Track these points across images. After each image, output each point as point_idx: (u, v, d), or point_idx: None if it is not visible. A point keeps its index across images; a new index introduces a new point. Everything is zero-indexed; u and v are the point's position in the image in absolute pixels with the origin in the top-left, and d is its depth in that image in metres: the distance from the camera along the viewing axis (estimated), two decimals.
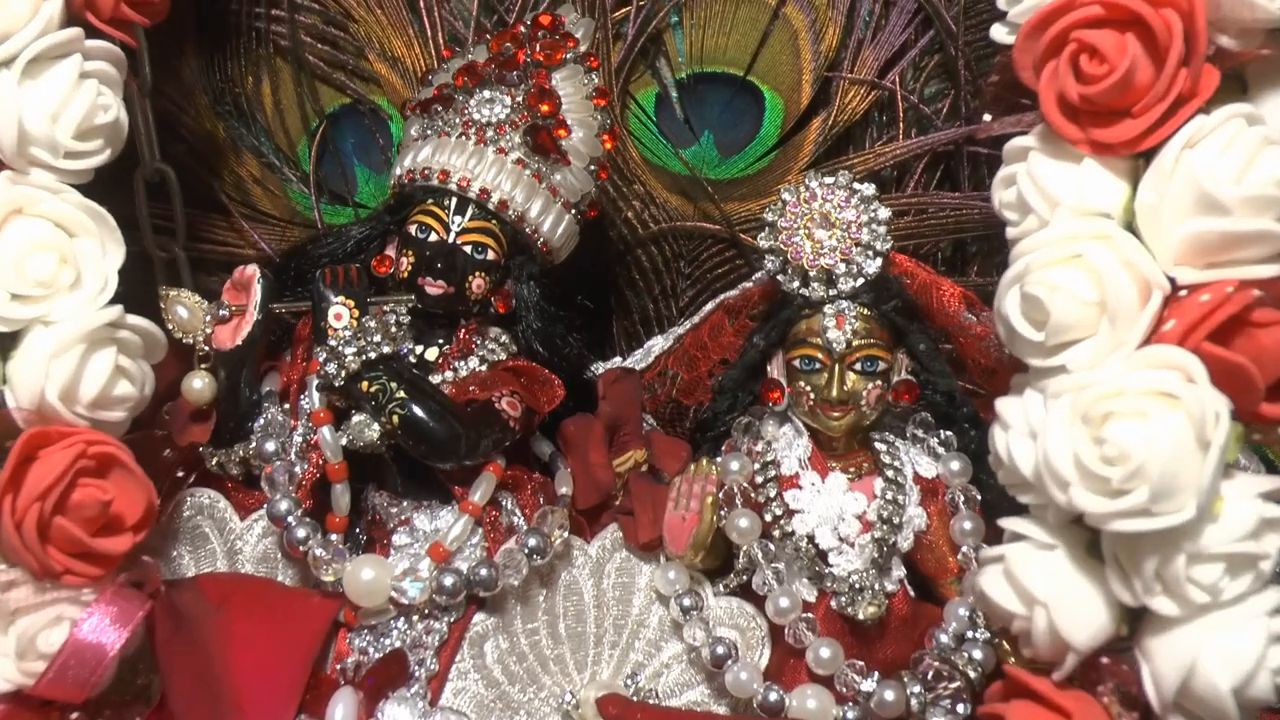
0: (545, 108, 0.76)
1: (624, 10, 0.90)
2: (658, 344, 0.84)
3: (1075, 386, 0.51)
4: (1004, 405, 0.56)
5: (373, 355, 0.70)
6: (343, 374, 0.69)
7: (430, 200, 0.74)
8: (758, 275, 0.78)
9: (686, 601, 0.73)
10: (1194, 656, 0.51)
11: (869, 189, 0.73)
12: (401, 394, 0.69)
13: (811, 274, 0.72)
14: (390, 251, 0.76)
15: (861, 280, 0.71)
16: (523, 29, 0.80)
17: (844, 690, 0.71)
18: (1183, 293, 0.53)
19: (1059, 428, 0.51)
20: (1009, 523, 0.57)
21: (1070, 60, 0.52)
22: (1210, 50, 0.53)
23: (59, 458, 0.56)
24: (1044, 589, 0.54)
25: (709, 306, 0.82)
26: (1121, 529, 0.49)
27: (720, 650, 0.72)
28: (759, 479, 0.74)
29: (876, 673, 0.71)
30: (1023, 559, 0.55)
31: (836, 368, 0.72)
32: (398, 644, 0.69)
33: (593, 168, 0.78)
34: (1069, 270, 0.53)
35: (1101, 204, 0.54)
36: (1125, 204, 0.53)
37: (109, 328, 0.59)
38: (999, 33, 0.58)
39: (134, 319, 0.60)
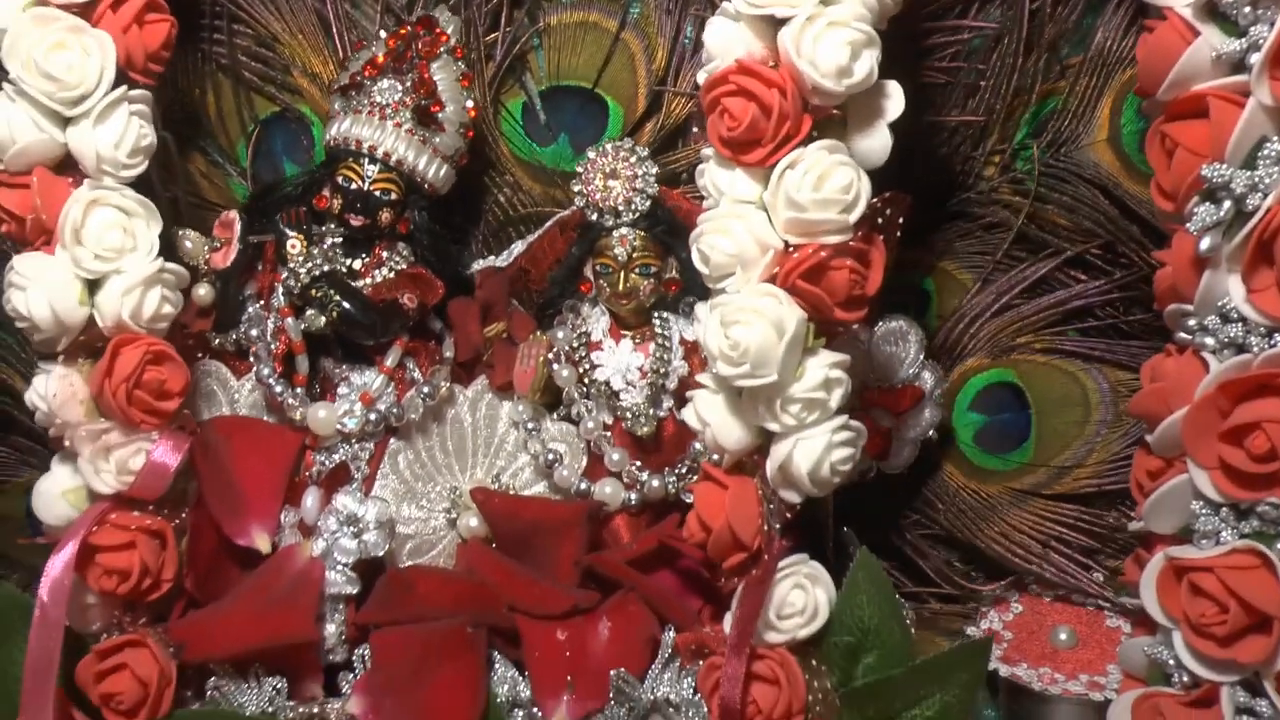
0: (425, 92, 1.10)
1: (494, 35, 1.13)
2: (517, 247, 1.16)
3: (722, 304, 0.93)
4: (699, 308, 0.97)
5: (318, 272, 1.09)
6: (299, 285, 1.08)
7: (350, 159, 1.07)
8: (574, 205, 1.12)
9: (530, 425, 1.08)
10: (788, 452, 0.94)
11: (644, 151, 1.06)
12: (338, 297, 1.06)
13: (604, 209, 1.05)
14: (325, 192, 1.10)
15: (638, 213, 1.05)
16: (408, 30, 1.14)
17: (628, 481, 1.07)
18: (792, 251, 0.94)
19: (712, 327, 0.93)
20: (700, 378, 0.99)
21: (719, 114, 0.91)
22: (807, 105, 0.92)
23: (134, 353, 0.94)
24: (710, 416, 0.96)
25: (548, 224, 1.14)
26: (740, 385, 0.91)
27: (550, 457, 1.07)
28: (575, 344, 1.08)
29: (649, 470, 1.12)
30: (702, 399, 0.97)
31: (622, 271, 1.05)
32: (342, 458, 1.07)
33: (462, 130, 1.10)
34: (721, 236, 0.92)
35: (746, 195, 0.90)
36: (759, 197, 0.91)
37: (157, 274, 0.96)
38: (701, 79, 0.96)
39: (171, 265, 0.97)
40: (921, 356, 1.16)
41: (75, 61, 0.92)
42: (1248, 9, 0.84)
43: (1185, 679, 0.91)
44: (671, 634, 1.02)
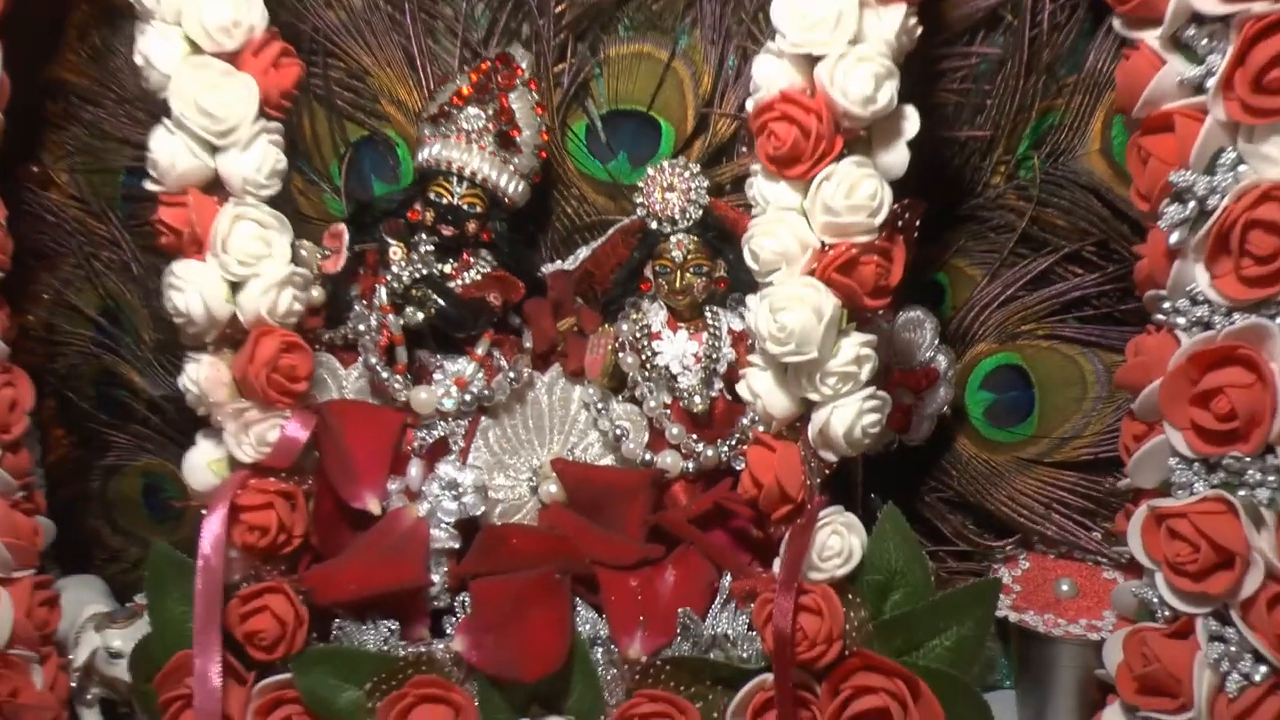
0: (505, 119, 1.28)
1: (561, 65, 1.28)
2: (582, 253, 1.30)
3: (770, 294, 1.10)
4: (748, 299, 1.15)
5: (418, 275, 1.27)
6: (400, 286, 1.26)
7: (441, 178, 1.21)
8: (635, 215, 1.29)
9: (600, 406, 1.21)
10: (827, 418, 1.11)
11: (696, 167, 1.22)
12: (435, 296, 1.23)
13: (663, 217, 1.19)
14: (418, 207, 1.24)
15: (691, 220, 1.19)
16: (488, 65, 1.31)
17: (685, 452, 1.20)
18: (828, 249, 1.11)
19: (762, 313, 1.10)
20: (751, 358, 1.17)
21: (766, 136, 1.08)
22: (839, 128, 1.10)
23: (272, 343, 1.12)
24: (760, 389, 1.14)
25: (610, 231, 1.28)
26: (786, 361, 1.09)
27: (618, 432, 1.20)
28: (637, 333, 1.21)
29: (703, 442, 1.31)
30: (753, 375, 1.15)
31: (679, 271, 1.20)
32: (440, 434, 1.23)
33: (536, 151, 1.23)
34: (768, 238, 1.10)
35: (789, 204, 1.06)
36: (800, 205, 1.08)
37: (289, 277, 1.14)
38: (749, 105, 1.14)
39: (299, 270, 1.14)
40: (937, 341, 1.33)
41: (227, 100, 1.10)
42: (1205, 41, 0.99)
43: (1166, 614, 1.04)
44: (728, 579, 1.20)
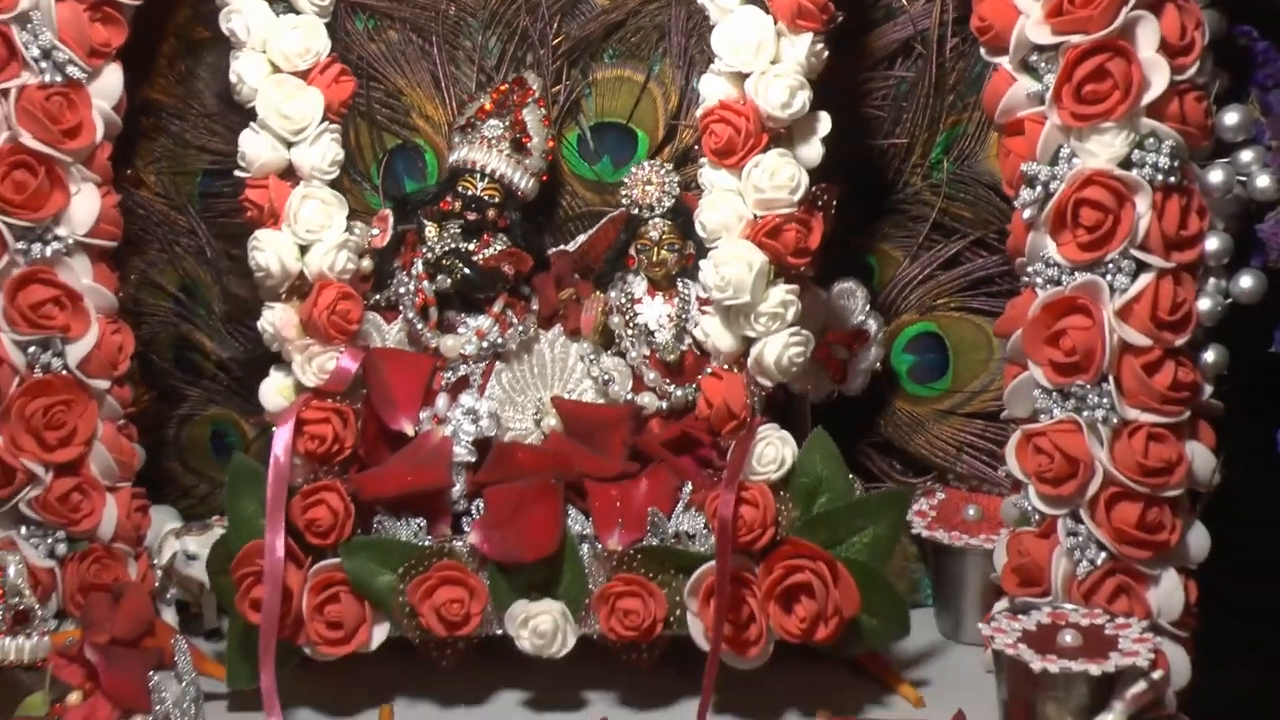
0: (519, 128, 1.62)
1: (557, 87, 1.54)
2: (580, 238, 1.54)
3: (714, 252, 1.42)
4: (702, 264, 1.47)
5: (446, 248, 1.60)
6: (433, 256, 1.59)
7: (467, 174, 1.46)
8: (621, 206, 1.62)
9: (592, 357, 1.45)
10: (760, 350, 1.42)
11: (670, 166, 1.47)
12: (460, 265, 1.56)
13: (643, 205, 1.44)
14: (448, 199, 1.58)
15: (665, 208, 1.43)
16: (506, 86, 1.67)
17: (660, 393, 1.42)
18: (758, 220, 1.43)
19: (708, 268, 1.42)
20: (703, 308, 1.49)
21: (709, 134, 1.41)
22: (764, 127, 1.42)
23: (331, 292, 1.45)
24: (710, 330, 1.45)
25: (602, 221, 1.52)
26: (726, 305, 1.41)
27: (606, 378, 1.45)
28: (623, 300, 1.44)
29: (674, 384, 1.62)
30: (705, 320, 1.46)
31: (655, 248, 1.44)
32: (463, 373, 1.51)
33: (544, 155, 1.47)
34: (713, 212, 1.42)
35: (728, 186, 1.40)
36: (737, 187, 1.41)
37: (345, 242, 1.49)
38: (698, 114, 1.47)
39: (353, 237, 1.51)
40: (867, 308, 1.64)
41: (300, 107, 1.46)
42: (1043, 64, 1.25)
43: (1036, 518, 1.27)
44: (689, 489, 1.51)
